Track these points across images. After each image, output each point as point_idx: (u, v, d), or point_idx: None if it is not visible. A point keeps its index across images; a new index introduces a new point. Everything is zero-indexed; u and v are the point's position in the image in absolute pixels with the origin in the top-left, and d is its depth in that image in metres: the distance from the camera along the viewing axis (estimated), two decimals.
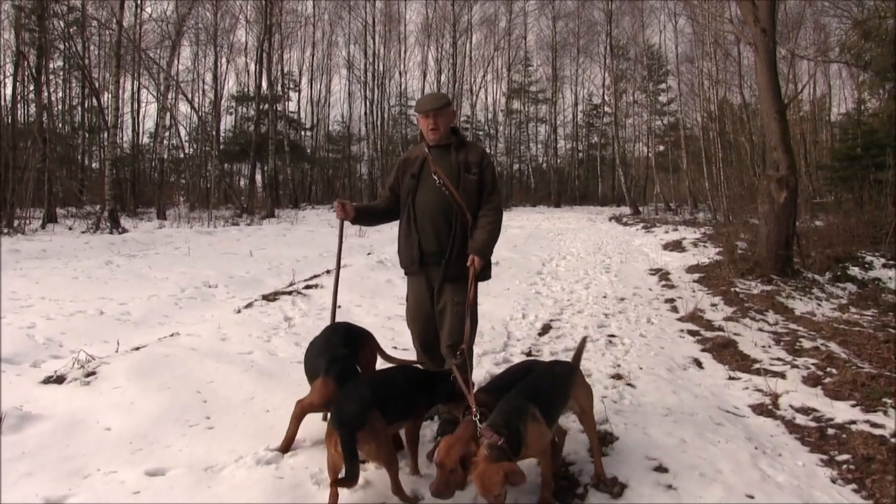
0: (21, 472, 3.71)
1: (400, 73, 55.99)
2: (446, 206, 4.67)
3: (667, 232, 24.54)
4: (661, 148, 50.83)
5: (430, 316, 4.85)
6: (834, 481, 4.21)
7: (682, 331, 8.34)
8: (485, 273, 4.78)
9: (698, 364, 6.91)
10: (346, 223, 4.99)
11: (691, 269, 13.72)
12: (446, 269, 4.68)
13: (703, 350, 7.46)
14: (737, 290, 10.86)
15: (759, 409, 5.53)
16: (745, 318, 8.90)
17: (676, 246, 19.13)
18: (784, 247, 12.15)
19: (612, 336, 7.82)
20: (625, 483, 3.95)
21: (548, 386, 3.93)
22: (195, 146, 46.83)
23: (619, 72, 50.00)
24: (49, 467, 3.78)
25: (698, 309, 9.30)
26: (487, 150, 5.13)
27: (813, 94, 40.12)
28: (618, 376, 6.12)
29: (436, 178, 4.69)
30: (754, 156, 28.67)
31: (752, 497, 3.86)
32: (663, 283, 12.21)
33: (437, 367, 4.72)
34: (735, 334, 7.93)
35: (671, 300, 10.27)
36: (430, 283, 4.81)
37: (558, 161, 61.00)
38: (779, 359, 7.02)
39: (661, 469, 4.11)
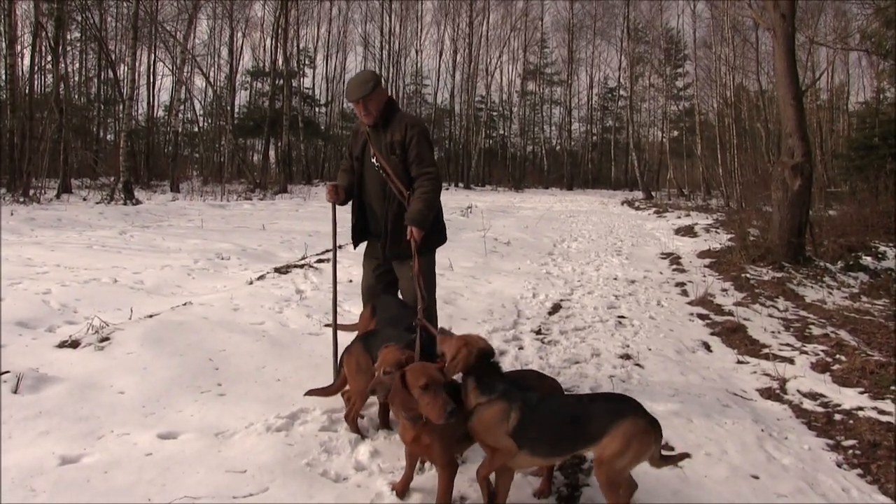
0: (38, 431, 3.78)
1: (416, 51, 55.91)
2: (384, 185, 4.80)
3: (679, 217, 24.47)
4: (676, 133, 50.49)
5: (375, 288, 5.06)
6: (839, 465, 4.24)
7: (691, 314, 8.35)
8: (438, 239, 4.99)
9: (707, 347, 6.92)
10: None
11: (702, 255, 13.70)
12: (385, 248, 4.84)
13: (712, 334, 7.47)
14: (748, 275, 10.85)
15: (767, 393, 5.55)
16: (755, 304, 8.90)
17: (688, 231, 19.09)
18: (797, 234, 12.10)
19: (622, 317, 7.84)
20: None
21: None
22: (210, 120, 46.96)
23: (636, 55, 49.61)
24: (64, 427, 3.85)
25: (708, 293, 9.29)
26: (421, 122, 5.07)
27: (831, 82, 39.84)
28: (626, 356, 6.15)
29: (374, 160, 4.81)
30: (769, 143, 28.45)
31: (756, 477, 3.90)
32: (674, 267, 12.21)
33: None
34: (745, 319, 7.93)
35: (682, 284, 10.27)
36: (375, 258, 5.02)
37: (572, 144, 60.90)
38: (788, 344, 7.03)
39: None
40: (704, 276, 11.06)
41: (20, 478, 3.29)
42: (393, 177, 4.72)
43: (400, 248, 4.75)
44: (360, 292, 5.27)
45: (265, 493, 3.35)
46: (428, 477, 3.66)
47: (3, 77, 27.78)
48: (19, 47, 28.68)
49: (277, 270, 8.77)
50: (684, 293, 9.60)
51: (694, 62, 42.91)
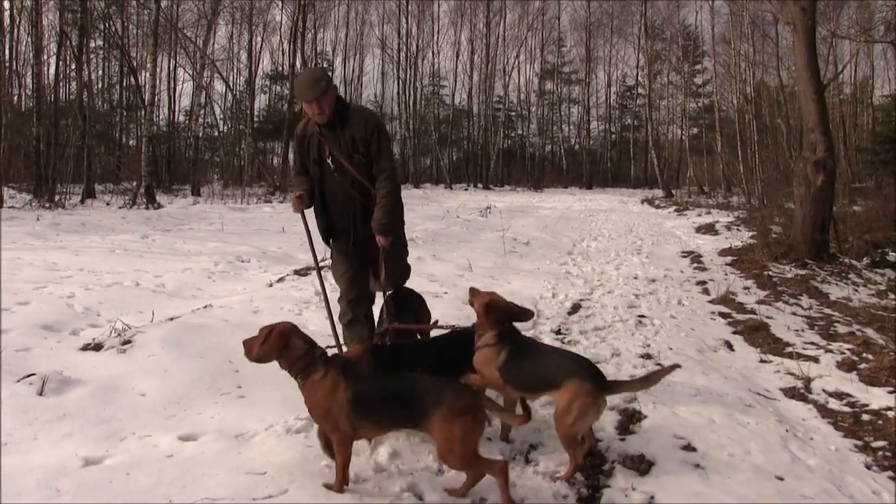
0: (62, 433, 3.83)
1: (433, 52, 55.87)
2: (349, 185, 4.75)
3: (699, 215, 24.30)
4: (695, 130, 50.11)
5: (349, 278, 5.02)
6: (868, 467, 4.14)
7: (713, 313, 8.26)
8: (402, 225, 5.04)
9: (729, 346, 6.84)
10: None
11: (724, 253, 13.58)
12: (356, 251, 4.89)
13: (734, 332, 7.38)
14: (770, 273, 10.73)
15: (791, 393, 5.46)
16: (777, 302, 8.80)
17: (709, 229, 18.94)
18: (820, 231, 11.95)
19: (643, 316, 7.77)
20: (652, 461, 3.92)
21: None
22: (229, 124, 47.16)
23: (654, 53, 49.38)
24: (87, 429, 3.89)
25: (730, 292, 9.20)
26: (376, 114, 5.18)
27: (854, 75, 39.39)
28: (647, 356, 6.09)
29: (330, 163, 4.73)
30: (791, 139, 28.14)
31: (781, 479, 3.81)
32: (695, 265, 12.11)
33: (368, 323, 5.03)
34: (767, 317, 7.84)
35: (703, 282, 10.18)
36: (345, 250, 4.97)
37: (591, 143, 60.68)
38: (812, 343, 6.92)
39: (689, 448, 4.08)
40: (726, 274, 10.96)
41: (45, 478, 3.34)
42: (357, 176, 4.70)
43: (367, 245, 4.81)
44: (335, 279, 5.19)
45: (284, 495, 3.36)
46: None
47: (30, 85, 28.16)
48: (45, 56, 29.07)
49: (297, 272, 8.81)
50: (705, 291, 9.52)
51: (713, 58, 42.49)
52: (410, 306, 5.02)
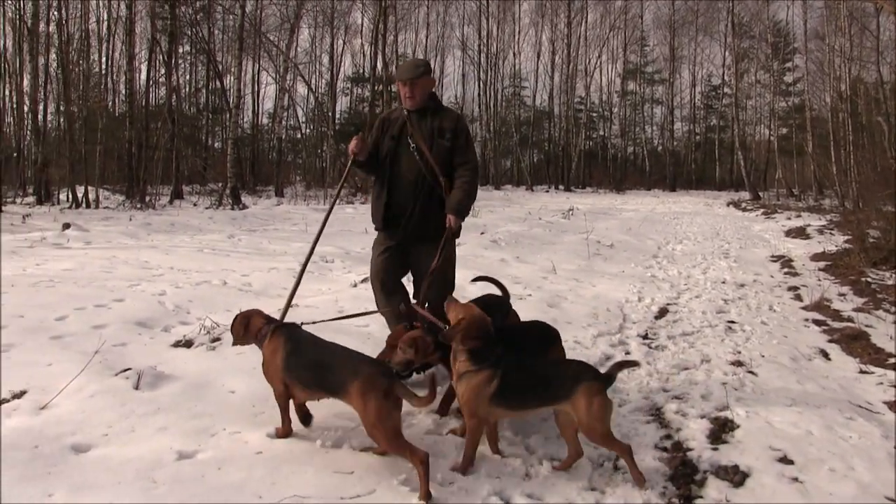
0: (157, 427, 3.93)
1: (514, 53, 55.80)
2: (419, 169, 4.84)
3: (789, 218, 23.55)
4: (784, 131, 48.52)
5: (389, 272, 5.04)
6: None
7: (806, 320, 7.94)
8: (465, 217, 4.96)
9: (825, 355, 6.55)
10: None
11: (816, 257, 13.09)
12: (406, 229, 4.88)
13: (830, 341, 7.06)
14: (868, 279, 10.27)
15: None
16: (877, 310, 8.39)
17: (800, 233, 18.33)
18: None
19: (732, 322, 7.53)
20: (746, 472, 3.77)
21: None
22: (312, 126, 48.11)
23: (741, 51, 47.95)
24: (181, 423, 3.98)
25: (824, 298, 8.84)
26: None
27: None
28: (738, 363, 5.88)
29: (411, 142, 4.82)
30: (892, 138, 26.94)
31: (892, 500, 3.57)
32: (786, 270, 11.71)
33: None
34: (867, 326, 7.48)
35: (794, 288, 9.81)
36: (394, 242, 4.99)
37: (674, 144, 59.51)
38: None
39: (785, 460, 3.90)
40: (819, 279, 10.54)
41: (143, 469, 3.43)
42: (432, 161, 4.78)
43: (423, 231, 4.84)
44: (371, 274, 5.21)
45: (372, 495, 3.36)
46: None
47: (124, 91, 29.29)
48: (137, 63, 30.22)
49: None
50: (798, 298, 9.17)
51: (804, 55, 41.02)
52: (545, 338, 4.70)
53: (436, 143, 4.82)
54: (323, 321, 4.83)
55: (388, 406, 3.46)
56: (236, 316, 4.22)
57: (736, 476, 3.76)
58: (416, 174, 4.85)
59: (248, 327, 4.09)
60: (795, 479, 3.70)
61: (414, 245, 4.95)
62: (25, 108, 26.91)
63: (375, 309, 5.23)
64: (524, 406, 3.76)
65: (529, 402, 3.73)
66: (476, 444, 3.71)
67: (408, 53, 52.07)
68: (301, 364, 3.84)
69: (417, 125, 4.86)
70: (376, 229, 5.14)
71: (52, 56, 25.78)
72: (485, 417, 3.70)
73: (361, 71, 50.29)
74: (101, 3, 33.56)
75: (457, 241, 5.09)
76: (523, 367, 3.78)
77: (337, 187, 5.55)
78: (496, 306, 5.01)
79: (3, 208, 18.40)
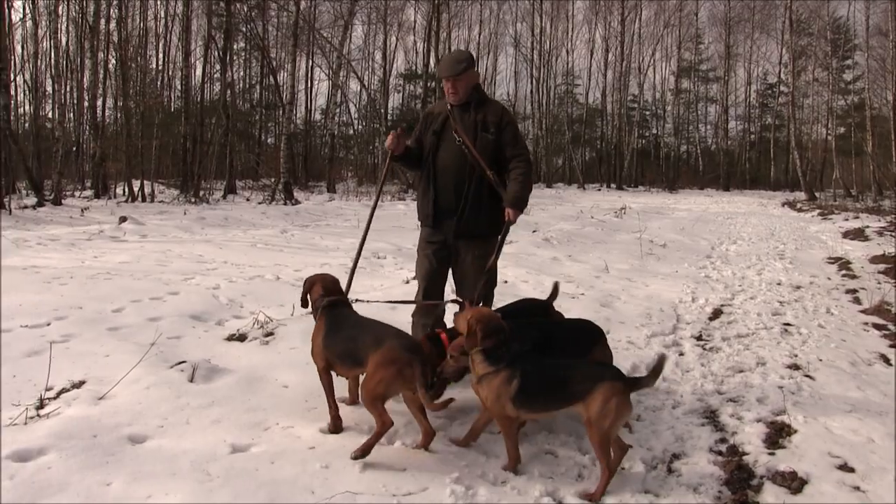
0: (211, 419, 3.98)
1: (567, 51, 55.43)
2: (464, 163, 4.74)
3: (846, 220, 22.93)
4: (842, 130, 47.30)
5: (436, 271, 4.97)
6: None
7: (865, 324, 7.70)
8: (496, 228, 4.88)
9: (886, 360, 6.34)
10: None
11: (876, 260, 12.70)
12: (458, 225, 4.77)
13: (891, 346, 6.83)
14: None
15: None
16: None
17: (858, 234, 17.83)
18: None
19: (788, 325, 7.34)
20: (805, 479, 3.68)
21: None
22: (364, 123, 48.40)
23: (799, 48, 46.87)
24: (234, 417, 4.03)
25: (885, 301, 8.57)
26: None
27: None
28: (795, 366, 5.73)
29: (455, 136, 4.74)
30: None
31: None
32: (843, 272, 11.39)
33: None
34: None
35: (853, 291, 9.54)
36: (441, 238, 4.90)
37: (728, 143, 58.49)
38: None
39: (845, 468, 3.79)
40: (879, 282, 10.22)
41: (197, 461, 3.47)
42: (478, 155, 4.70)
43: (474, 227, 4.77)
44: (417, 272, 5.16)
45: (424, 493, 3.35)
46: None
47: (179, 87, 29.84)
48: (192, 59, 30.77)
49: None
50: (856, 301, 8.91)
51: (865, 52, 40.00)
52: (588, 337, 4.58)
53: (480, 137, 4.74)
54: (378, 301, 5.05)
55: (392, 380, 3.60)
56: (308, 277, 4.41)
57: (794, 482, 3.66)
58: (462, 169, 4.77)
59: (311, 294, 4.28)
60: (857, 489, 3.60)
61: (461, 241, 4.86)
62: (85, 104, 27.60)
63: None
64: (546, 408, 3.73)
65: (551, 403, 3.69)
66: (514, 440, 3.69)
67: (461, 50, 52.06)
68: (338, 339, 3.97)
69: (460, 119, 4.78)
70: (424, 226, 5.07)
71: (112, 53, 26.37)
72: (515, 414, 3.64)
73: (414, 67, 50.44)
74: (158, 1, 34.27)
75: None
76: (542, 365, 3.72)
77: (378, 183, 5.54)
78: (536, 309, 5.01)
79: (63, 202, 18.91)
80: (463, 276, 4.93)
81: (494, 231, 4.83)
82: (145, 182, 22.36)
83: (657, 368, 3.70)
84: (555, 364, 3.80)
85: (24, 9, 28.57)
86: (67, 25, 29.50)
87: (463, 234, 4.82)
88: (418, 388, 3.53)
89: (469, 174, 4.75)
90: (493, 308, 4.77)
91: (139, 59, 29.59)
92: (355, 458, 3.52)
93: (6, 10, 18.87)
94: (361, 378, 3.87)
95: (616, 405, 3.45)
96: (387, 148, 4.89)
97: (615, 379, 3.57)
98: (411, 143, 5.03)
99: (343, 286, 4.54)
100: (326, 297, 4.17)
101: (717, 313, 7.83)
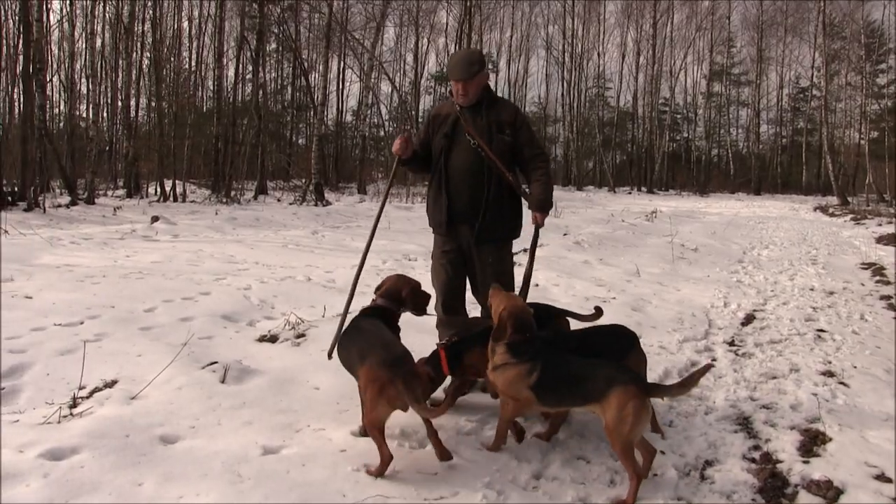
0: (243, 421, 3.99)
1: (598, 54, 55.33)
2: (480, 166, 4.61)
3: (880, 225, 22.54)
4: (876, 134, 46.52)
5: (453, 281, 4.87)
6: None
7: None
8: (514, 232, 4.84)
9: None
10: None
11: None
12: (480, 231, 4.64)
13: None
14: None
15: None
16: None
17: (892, 240, 17.48)
18: None
19: (822, 331, 7.22)
20: (840, 488, 3.60)
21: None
22: (395, 124, 48.50)
23: (832, 52, 46.22)
24: (266, 418, 4.03)
25: None
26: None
27: None
28: (829, 373, 5.62)
29: (470, 138, 4.60)
30: None
31: None
32: (877, 278, 11.18)
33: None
34: None
35: (887, 297, 9.36)
36: (456, 244, 4.79)
37: (760, 147, 57.88)
38: None
39: (882, 478, 3.70)
40: None
41: (228, 463, 3.47)
42: (494, 157, 4.58)
43: (493, 231, 4.67)
44: (433, 279, 5.01)
45: (456, 497, 3.33)
46: None
47: (212, 88, 30.11)
48: (225, 60, 31.08)
49: None
50: (891, 307, 8.74)
51: None
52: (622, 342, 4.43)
53: (495, 138, 4.60)
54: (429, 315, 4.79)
55: (380, 398, 3.47)
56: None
57: (829, 492, 3.59)
58: (478, 172, 4.62)
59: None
60: (895, 500, 3.51)
61: (478, 246, 4.74)
62: (119, 104, 27.97)
63: None
64: (561, 403, 3.76)
65: (566, 399, 3.70)
66: (507, 425, 3.84)
67: (492, 52, 52.13)
68: (340, 350, 4.03)
69: (472, 120, 4.63)
70: (437, 234, 4.94)
71: (146, 54, 26.72)
72: (527, 402, 3.71)
73: (445, 70, 50.47)
74: (192, 3, 34.65)
75: (538, 241, 4.99)
76: (563, 360, 3.72)
77: (386, 188, 5.51)
78: (541, 312, 4.82)
79: (96, 201, 19.17)
80: (480, 281, 4.78)
81: (512, 234, 4.79)
82: (177, 182, 22.61)
83: (690, 381, 3.63)
84: (576, 361, 3.75)
85: (61, 10, 29.04)
86: (103, 27, 29.96)
87: (483, 240, 4.69)
88: (410, 403, 3.44)
89: (487, 177, 4.62)
90: None
91: (172, 59, 29.94)
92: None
93: (44, 12, 19.19)
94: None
95: (633, 410, 3.40)
96: (394, 152, 4.82)
97: (630, 383, 3.50)
98: (417, 146, 4.89)
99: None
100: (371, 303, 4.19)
101: (749, 319, 7.73)
